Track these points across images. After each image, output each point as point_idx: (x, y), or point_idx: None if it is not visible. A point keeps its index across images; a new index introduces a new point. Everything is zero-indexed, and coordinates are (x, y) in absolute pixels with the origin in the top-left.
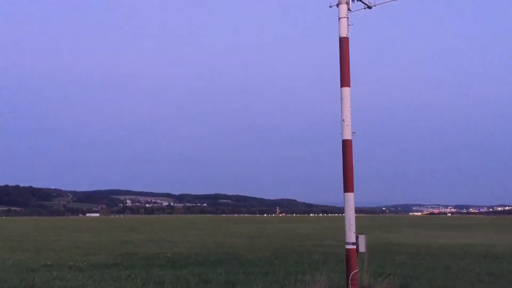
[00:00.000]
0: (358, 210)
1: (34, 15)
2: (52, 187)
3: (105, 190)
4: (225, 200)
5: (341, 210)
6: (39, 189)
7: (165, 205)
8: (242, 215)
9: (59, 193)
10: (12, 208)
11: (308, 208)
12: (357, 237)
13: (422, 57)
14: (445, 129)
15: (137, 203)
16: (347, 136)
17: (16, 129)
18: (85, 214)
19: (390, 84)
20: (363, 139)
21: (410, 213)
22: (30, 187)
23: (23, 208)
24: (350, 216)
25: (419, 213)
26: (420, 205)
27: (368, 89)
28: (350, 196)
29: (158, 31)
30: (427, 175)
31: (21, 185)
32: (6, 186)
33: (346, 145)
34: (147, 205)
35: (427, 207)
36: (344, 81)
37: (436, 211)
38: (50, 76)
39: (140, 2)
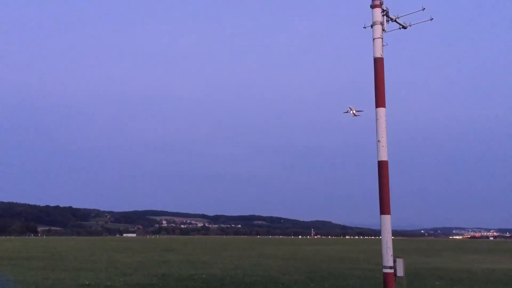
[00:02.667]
0: (395, 233)
1: (80, 38)
2: (91, 208)
3: (141, 211)
4: (259, 222)
5: (377, 232)
6: (78, 209)
7: (200, 226)
8: (276, 236)
9: (97, 214)
10: (53, 228)
11: (343, 230)
12: (394, 261)
13: (459, 76)
14: (485, 149)
15: (172, 224)
16: (383, 157)
17: (56, 151)
18: (122, 235)
19: (428, 104)
20: (401, 160)
21: (450, 237)
22: (70, 207)
23: (63, 228)
24: (387, 239)
25: (460, 237)
26: (460, 229)
27: (405, 109)
28: (386, 218)
29: (192, 53)
30: (468, 197)
31: (61, 205)
32: (47, 206)
33: (382, 166)
34: (182, 226)
35: (468, 231)
36: (379, 101)
37: (477, 234)
38: (89, 97)
39: (172, 29)
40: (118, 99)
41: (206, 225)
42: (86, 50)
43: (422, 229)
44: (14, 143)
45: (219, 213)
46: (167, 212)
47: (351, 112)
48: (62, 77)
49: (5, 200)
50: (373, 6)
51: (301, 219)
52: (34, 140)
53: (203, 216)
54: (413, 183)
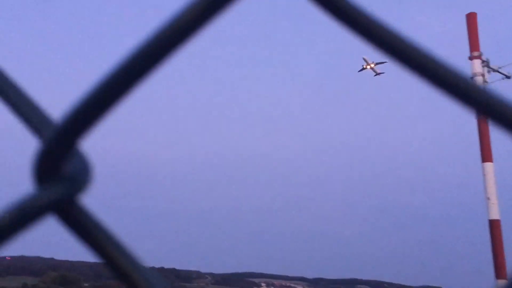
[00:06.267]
0: None
1: (178, 107)
2: (192, 269)
3: (240, 273)
4: (362, 286)
5: None
6: (181, 271)
7: None
8: None
9: (198, 275)
10: None
11: None
12: None
13: None
14: None
15: (271, 287)
16: (494, 215)
17: (158, 213)
18: None
19: None
20: None
21: None
22: (174, 269)
23: None
24: None
25: None
26: None
27: None
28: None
29: (283, 116)
30: None
31: (166, 266)
32: (153, 267)
33: (494, 226)
34: None
35: None
36: (486, 155)
37: None
38: (188, 162)
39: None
40: (217, 161)
41: None
42: (187, 120)
43: None
44: (119, 205)
45: (319, 276)
46: (265, 274)
47: (369, 67)
48: (156, 142)
49: None
50: (471, 58)
51: (408, 284)
52: (136, 204)
53: (302, 279)
54: None
